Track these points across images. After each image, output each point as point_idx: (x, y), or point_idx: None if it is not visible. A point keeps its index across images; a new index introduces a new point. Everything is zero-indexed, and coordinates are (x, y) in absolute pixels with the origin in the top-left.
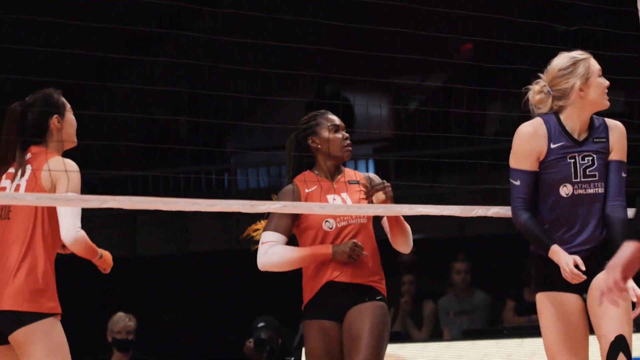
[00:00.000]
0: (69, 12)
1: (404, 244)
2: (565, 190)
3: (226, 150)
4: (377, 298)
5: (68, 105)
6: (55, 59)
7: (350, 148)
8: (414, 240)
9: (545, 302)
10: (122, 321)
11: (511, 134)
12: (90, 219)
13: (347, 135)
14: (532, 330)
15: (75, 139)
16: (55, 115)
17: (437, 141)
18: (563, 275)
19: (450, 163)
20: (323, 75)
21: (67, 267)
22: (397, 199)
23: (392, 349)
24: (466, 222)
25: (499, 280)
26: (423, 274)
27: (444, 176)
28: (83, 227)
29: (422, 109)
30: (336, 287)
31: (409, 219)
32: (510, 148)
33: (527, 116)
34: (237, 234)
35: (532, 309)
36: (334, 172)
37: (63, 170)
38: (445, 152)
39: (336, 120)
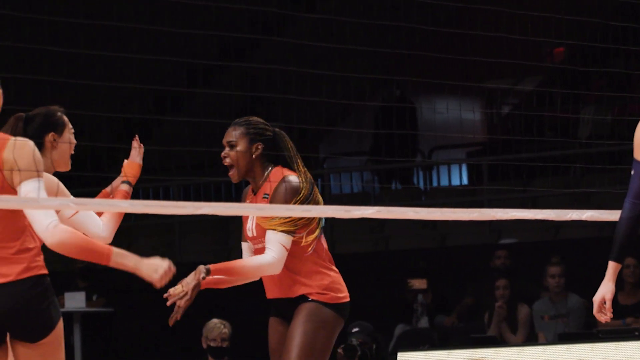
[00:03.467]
0: (161, 19)
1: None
2: None
3: (319, 156)
4: (310, 300)
5: (69, 126)
6: (147, 66)
7: (229, 172)
8: (507, 245)
9: None
10: (217, 328)
11: (604, 137)
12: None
13: (224, 154)
14: (628, 333)
15: (69, 161)
16: (52, 132)
17: (531, 145)
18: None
19: (543, 167)
20: (416, 80)
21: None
22: (491, 203)
23: (487, 354)
24: (560, 226)
25: (593, 284)
26: (517, 278)
27: (538, 180)
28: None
29: (515, 112)
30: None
31: (502, 221)
32: (604, 151)
33: (621, 119)
34: (331, 240)
35: (627, 312)
36: (254, 188)
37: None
38: (539, 156)
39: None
